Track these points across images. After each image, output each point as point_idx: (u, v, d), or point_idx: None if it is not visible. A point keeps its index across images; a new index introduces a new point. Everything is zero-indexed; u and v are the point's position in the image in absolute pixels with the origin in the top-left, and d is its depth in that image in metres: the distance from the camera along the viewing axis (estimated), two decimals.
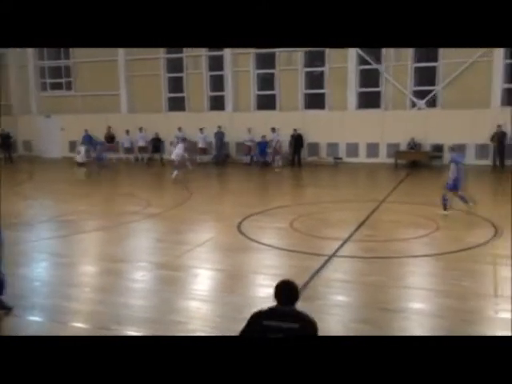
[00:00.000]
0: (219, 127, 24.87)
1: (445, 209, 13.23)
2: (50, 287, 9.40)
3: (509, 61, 21.85)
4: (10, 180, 20.48)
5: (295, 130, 23.51)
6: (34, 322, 7.77)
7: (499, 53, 21.53)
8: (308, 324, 4.30)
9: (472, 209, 13.27)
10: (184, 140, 22.11)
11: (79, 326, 7.69)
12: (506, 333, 6.96)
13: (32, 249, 11.73)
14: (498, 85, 21.82)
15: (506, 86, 21.96)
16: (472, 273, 9.24)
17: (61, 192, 18.79)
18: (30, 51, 28.75)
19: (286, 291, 4.47)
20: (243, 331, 4.43)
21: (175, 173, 18.80)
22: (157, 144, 25.96)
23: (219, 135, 25.04)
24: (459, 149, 19.72)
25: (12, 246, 11.62)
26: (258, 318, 4.39)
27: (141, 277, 9.63)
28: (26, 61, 28.96)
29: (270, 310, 4.41)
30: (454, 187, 13.22)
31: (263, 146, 24.25)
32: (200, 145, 25.23)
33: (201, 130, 25.03)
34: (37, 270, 10.35)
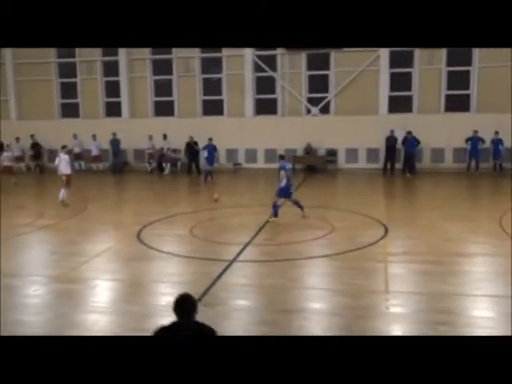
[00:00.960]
0: (114, 134, 24.28)
1: (275, 215, 13.54)
2: None
3: (393, 70, 23.20)
4: None
5: (191, 137, 23.47)
6: None
7: (385, 62, 22.83)
8: (209, 334, 4.36)
9: (306, 214, 13.73)
10: (70, 151, 19.04)
11: None
12: (398, 326, 7.39)
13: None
14: (384, 93, 23.12)
15: (392, 93, 23.29)
16: (365, 271, 9.71)
17: None
18: None
19: (184, 305, 4.48)
20: None
21: (62, 193, 15.90)
22: (38, 150, 25.18)
23: (115, 142, 24.45)
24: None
25: None
26: (161, 332, 4.38)
27: (33, 291, 9.17)
28: None
29: (172, 325, 4.42)
30: (286, 194, 13.68)
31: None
32: (93, 153, 24.47)
33: (93, 136, 24.30)
34: None
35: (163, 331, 4.37)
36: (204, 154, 20.94)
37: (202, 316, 7.92)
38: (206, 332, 4.37)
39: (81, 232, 13.22)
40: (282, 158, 14.38)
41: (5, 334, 7.35)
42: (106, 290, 9.46)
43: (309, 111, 24.21)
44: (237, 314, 8.04)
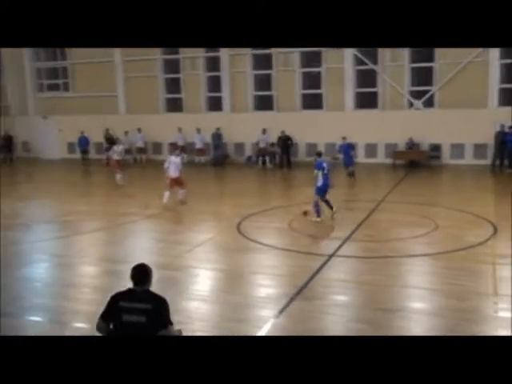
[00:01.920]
0: (217, 128, 24.86)
1: (318, 215, 12.96)
2: (49, 288, 9.40)
3: (504, 61, 21.90)
4: (9, 181, 20.45)
5: (282, 131, 23.49)
6: (33, 322, 7.78)
7: (494, 53, 21.58)
8: (159, 303, 4.58)
9: (335, 214, 13.14)
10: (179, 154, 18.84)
11: (79, 326, 7.69)
12: (506, 332, 6.99)
13: (31, 250, 11.72)
14: (494, 84, 21.87)
15: (503, 85, 22.00)
16: (471, 272, 9.27)
17: (60, 193, 18.78)
18: (27, 52, 28.70)
19: (140, 274, 4.71)
20: (104, 312, 4.67)
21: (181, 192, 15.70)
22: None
23: (217, 136, 25.01)
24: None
25: (11, 247, 11.65)
26: (116, 299, 4.65)
27: None
28: (22, 62, 28.90)
29: (127, 292, 4.69)
30: (324, 193, 13.06)
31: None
32: (197, 146, 25.19)
33: (198, 130, 25.01)
34: (36, 270, 10.34)
35: (120, 295, 4.66)
36: (340, 155, 19.57)
37: (300, 309, 7.98)
38: (157, 299, 4.59)
39: (183, 222, 13.70)
40: (319, 155, 13.45)
41: None
42: (207, 279, 9.75)
43: (411, 105, 23.44)
44: (335, 310, 7.98)
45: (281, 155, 23.68)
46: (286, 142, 23.48)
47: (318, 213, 12.96)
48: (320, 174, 12.91)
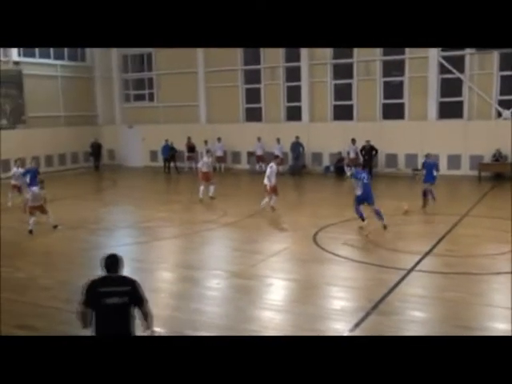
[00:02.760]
0: (297, 137, 24.80)
1: (363, 220, 13.09)
2: None
3: None
4: (95, 187, 21.44)
5: (367, 141, 23.05)
6: None
7: None
8: (135, 284, 5.19)
9: (386, 225, 12.98)
10: (208, 152, 20.13)
11: (156, 331, 7.87)
12: None
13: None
14: None
15: None
16: None
17: (141, 199, 19.43)
18: (115, 64, 30.07)
19: (113, 262, 5.28)
20: (83, 300, 5.07)
21: (273, 200, 15.53)
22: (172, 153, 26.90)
23: (297, 145, 24.93)
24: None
25: (93, 251, 12.16)
26: (93, 286, 5.11)
27: (216, 284, 9.76)
28: (111, 73, 30.31)
29: (103, 278, 5.20)
30: (363, 201, 13.05)
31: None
32: (276, 153, 25.08)
33: (278, 140, 25.02)
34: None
35: (96, 282, 5.15)
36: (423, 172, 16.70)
37: (376, 323, 7.76)
38: (132, 282, 5.17)
39: (260, 230, 13.76)
40: (348, 166, 14.41)
41: (186, 320, 7.93)
42: (281, 289, 9.71)
43: (499, 114, 22.39)
44: (412, 326, 7.70)
45: (363, 165, 23.18)
46: (369, 152, 23.05)
47: (362, 217, 13.07)
48: (359, 183, 12.96)
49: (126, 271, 11.00)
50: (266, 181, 15.60)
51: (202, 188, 17.89)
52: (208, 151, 20.33)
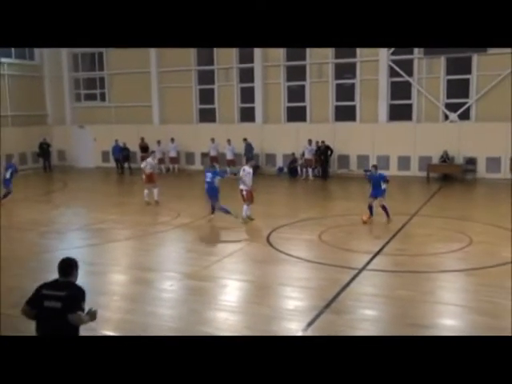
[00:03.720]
0: (245, 139, 24.78)
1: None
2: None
3: None
4: (44, 188, 20.91)
5: (323, 141, 23.36)
6: None
7: None
8: (73, 291, 5.08)
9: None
10: (152, 152, 19.70)
11: (108, 334, 7.75)
12: None
13: (63, 257, 11.88)
14: None
15: None
16: (505, 289, 8.99)
17: (93, 201, 19.07)
18: (65, 63, 29.40)
19: (63, 266, 5.25)
20: (29, 299, 5.14)
21: (245, 209, 14.53)
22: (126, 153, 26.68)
23: (248, 147, 24.98)
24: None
25: (43, 254, 11.86)
26: (40, 288, 5.18)
27: (169, 286, 9.68)
28: (61, 72, 29.60)
29: (52, 282, 5.23)
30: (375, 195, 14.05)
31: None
32: (228, 156, 25.15)
33: (228, 141, 25.01)
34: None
35: (44, 285, 5.18)
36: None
37: (329, 323, 7.87)
38: (73, 288, 5.11)
39: (213, 232, 13.73)
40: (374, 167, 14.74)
41: (140, 323, 7.84)
42: (235, 290, 9.72)
43: (446, 117, 23.08)
44: (365, 325, 7.84)
45: (320, 165, 23.46)
46: (325, 152, 23.32)
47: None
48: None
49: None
50: (241, 186, 14.43)
51: (146, 191, 17.41)
52: (152, 152, 20.04)
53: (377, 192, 13.99)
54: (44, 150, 27.94)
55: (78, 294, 5.09)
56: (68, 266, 5.27)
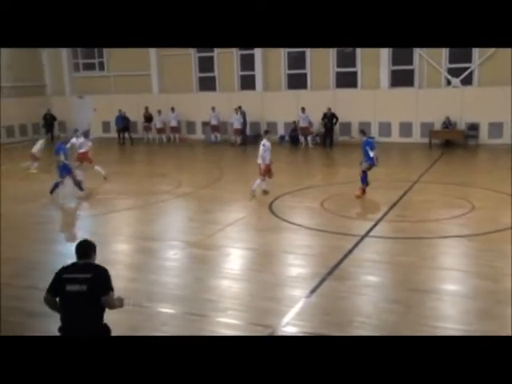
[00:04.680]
0: (239, 107, 24.58)
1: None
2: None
3: None
4: (46, 160, 20.84)
5: (329, 108, 23.14)
6: None
7: None
8: (99, 272, 4.91)
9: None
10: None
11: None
12: None
13: (65, 227, 11.98)
14: None
15: None
16: (506, 254, 9.05)
17: (94, 171, 19.05)
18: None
19: (81, 248, 5.08)
20: (50, 286, 4.96)
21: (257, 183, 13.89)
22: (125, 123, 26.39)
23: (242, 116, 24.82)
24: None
25: (47, 224, 11.94)
26: (60, 272, 4.98)
27: (173, 255, 9.76)
28: None
29: (71, 265, 5.04)
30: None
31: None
32: (235, 125, 24.80)
33: (236, 110, 24.57)
34: (71, 247, 10.55)
35: (64, 269, 4.99)
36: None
37: (331, 289, 7.96)
38: (97, 269, 4.94)
39: (216, 201, 13.76)
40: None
41: (144, 291, 7.93)
42: (239, 258, 9.80)
43: (449, 83, 22.86)
44: (367, 290, 7.93)
45: (324, 133, 23.33)
46: (331, 120, 23.15)
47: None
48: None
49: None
50: (259, 160, 13.88)
51: (80, 172, 15.45)
52: (76, 131, 17.47)
53: (366, 160, 13.17)
54: (47, 122, 27.81)
55: (105, 275, 4.92)
56: (86, 248, 5.10)
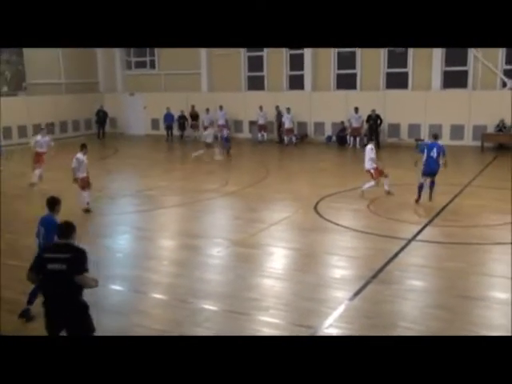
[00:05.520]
0: (276, 107, 24.70)
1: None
2: (131, 259, 9.78)
3: None
4: (99, 155, 21.38)
5: (373, 110, 22.82)
6: (115, 291, 8.12)
7: None
8: (77, 253, 5.22)
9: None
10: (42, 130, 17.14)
11: (158, 297, 7.97)
12: None
13: (115, 221, 12.23)
14: None
15: None
16: None
17: (143, 167, 19.40)
18: None
19: (64, 228, 5.39)
20: (32, 264, 5.30)
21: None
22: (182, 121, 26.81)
23: (278, 115, 24.83)
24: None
25: (96, 218, 12.22)
26: (41, 252, 5.41)
27: (217, 253, 9.81)
28: None
29: (52, 245, 5.49)
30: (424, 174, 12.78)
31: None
32: (286, 125, 24.57)
33: (287, 110, 24.51)
34: (119, 241, 10.79)
35: (45, 249, 5.42)
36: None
37: (375, 292, 7.82)
38: (76, 250, 5.24)
39: (261, 200, 13.76)
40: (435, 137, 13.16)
41: (188, 288, 8.00)
42: (282, 257, 9.77)
43: (504, 84, 22.14)
44: (413, 295, 7.76)
45: (369, 134, 23.03)
46: (376, 121, 22.83)
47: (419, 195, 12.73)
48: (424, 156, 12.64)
49: (127, 238, 11.19)
50: (367, 166, 13.51)
51: (37, 171, 15.15)
52: (42, 129, 16.94)
53: (433, 168, 12.54)
54: (100, 118, 28.54)
55: (82, 256, 5.22)
56: (69, 228, 5.41)
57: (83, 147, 12.66)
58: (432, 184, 12.78)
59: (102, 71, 30.57)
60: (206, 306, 7.54)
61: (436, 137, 13.25)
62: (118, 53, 29.90)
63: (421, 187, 12.68)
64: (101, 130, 28.55)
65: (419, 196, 12.70)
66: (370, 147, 13.73)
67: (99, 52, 30.09)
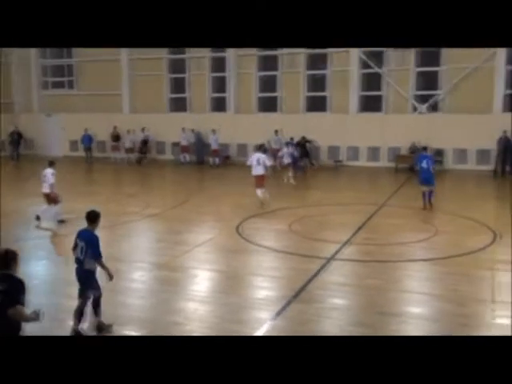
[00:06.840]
0: (192, 130, 25.00)
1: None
2: (48, 285, 9.40)
3: (510, 67, 21.84)
4: (14, 178, 20.50)
5: (303, 137, 23.33)
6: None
7: (501, 58, 21.53)
8: (13, 284, 4.94)
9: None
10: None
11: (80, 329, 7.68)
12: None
13: (31, 246, 11.73)
14: (499, 90, 21.82)
15: (508, 91, 21.95)
16: (470, 278, 9.24)
17: (62, 190, 18.76)
18: (33, 50, 28.77)
19: (3, 258, 5.09)
20: None
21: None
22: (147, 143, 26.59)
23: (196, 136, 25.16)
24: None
25: (11, 243, 11.64)
26: None
27: (139, 277, 9.63)
28: (28, 59, 28.98)
29: None
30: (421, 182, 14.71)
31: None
32: (213, 146, 24.84)
33: (213, 131, 24.73)
34: (36, 267, 10.35)
35: None
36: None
37: (298, 312, 7.95)
38: (12, 281, 4.96)
39: (184, 222, 13.68)
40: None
41: (109, 314, 7.80)
42: (205, 280, 9.73)
43: (415, 109, 23.40)
44: (334, 314, 7.95)
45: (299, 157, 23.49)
46: (304, 146, 23.31)
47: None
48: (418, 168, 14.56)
49: (44, 264, 10.70)
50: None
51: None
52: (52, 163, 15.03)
53: (424, 177, 14.47)
54: (14, 139, 27.46)
55: (18, 287, 4.93)
56: (8, 258, 5.09)
57: (52, 163, 14.01)
58: (430, 193, 14.33)
59: (16, 91, 29.49)
60: (128, 332, 7.37)
61: (425, 149, 15.53)
62: (34, 72, 29.01)
63: (424, 196, 14.36)
64: (15, 152, 27.44)
65: (424, 203, 14.31)
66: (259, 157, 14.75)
67: (14, 71, 29.06)
